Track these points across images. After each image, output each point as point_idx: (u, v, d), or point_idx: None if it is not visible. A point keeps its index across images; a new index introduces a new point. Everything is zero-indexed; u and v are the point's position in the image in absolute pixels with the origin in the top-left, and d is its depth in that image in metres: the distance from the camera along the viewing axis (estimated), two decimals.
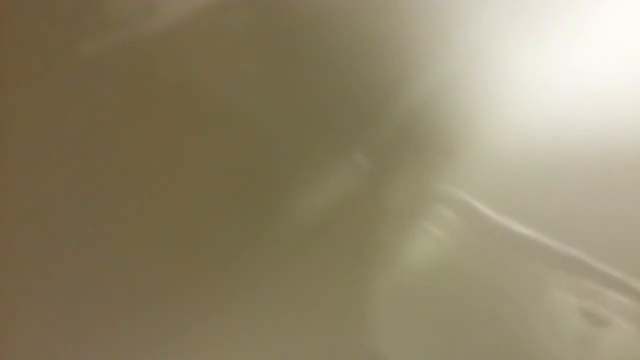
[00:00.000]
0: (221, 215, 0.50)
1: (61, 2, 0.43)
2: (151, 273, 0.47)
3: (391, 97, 0.54)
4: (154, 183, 0.48)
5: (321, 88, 0.52)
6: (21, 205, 0.43)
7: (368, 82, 0.53)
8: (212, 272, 0.49)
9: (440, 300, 0.53)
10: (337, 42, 0.51)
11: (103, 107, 0.45)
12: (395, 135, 0.55)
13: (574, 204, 0.54)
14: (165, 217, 0.48)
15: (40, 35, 0.42)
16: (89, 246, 0.45)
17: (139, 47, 0.45)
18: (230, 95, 0.50)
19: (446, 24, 0.54)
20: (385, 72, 0.53)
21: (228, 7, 0.48)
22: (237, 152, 0.50)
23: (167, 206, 0.48)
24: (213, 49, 0.48)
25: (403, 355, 0.51)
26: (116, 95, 0.45)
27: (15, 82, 0.42)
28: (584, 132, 0.55)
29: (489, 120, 0.56)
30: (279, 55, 0.51)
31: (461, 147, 0.56)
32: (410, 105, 0.54)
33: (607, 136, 0.55)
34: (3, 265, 0.43)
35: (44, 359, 0.44)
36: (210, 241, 0.50)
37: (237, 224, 0.51)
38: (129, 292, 0.46)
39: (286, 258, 0.51)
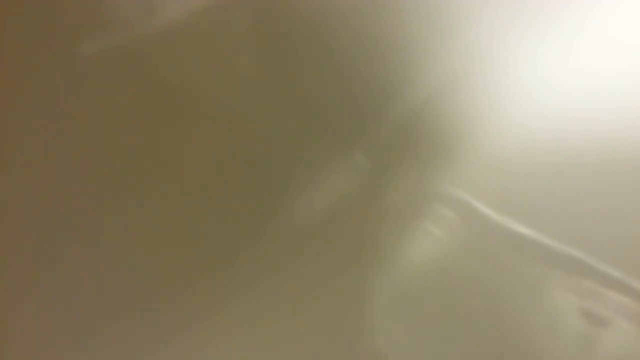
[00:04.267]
0: (221, 215, 0.50)
1: (61, 2, 0.43)
2: (151, 273, 0.47)
3: (391, 97, 0.54)
4: (154, 183, 0.48)
5: (321, 88, 0.52)
6: (21, 205, 0.43)
7: (368, 82, 0.53)
8: (212, 273, 0.49)
9: (440, 300, 0.53)
10: (337, 42, 0.51)
11: (103, 107, 0.45)
12: (395, 135, 0.55)
13: (574, 204, 0.54)
14: (165, 217, 0.48)
15: (40, 35, 0.42)
16: (89, 246, 0.45)
17: (139, 47, 0.45)
18: (230, 95, 0.50)
19: (446, 24, 0.54)
20: (385, 72, 0.53)
21: (228, 7, 0.48)
22: (237, 152, 0.50)
23: (167, 206, 0.48)
24: (213, 49, 0.48)
25: (403, 355, 0.51)
26: (116, 95, 0.45)
27: (16, 82, 0.42)
28: (584, 132, 0.55)
29: (489, 120, 0.56)
30: (279, 55, 0.51)
31: (461, 147, 0.56)
32: (410, 106, 0.54)
33: (607, 136, 0.55)
34: (3, 265, 0.43)
35: (44, 359, 0.44)
36: (210, 241, 0.50)
37: (237, 224, 0.51)
38: (129, 292, 0.46)
39: (286, 258, 0.51)
